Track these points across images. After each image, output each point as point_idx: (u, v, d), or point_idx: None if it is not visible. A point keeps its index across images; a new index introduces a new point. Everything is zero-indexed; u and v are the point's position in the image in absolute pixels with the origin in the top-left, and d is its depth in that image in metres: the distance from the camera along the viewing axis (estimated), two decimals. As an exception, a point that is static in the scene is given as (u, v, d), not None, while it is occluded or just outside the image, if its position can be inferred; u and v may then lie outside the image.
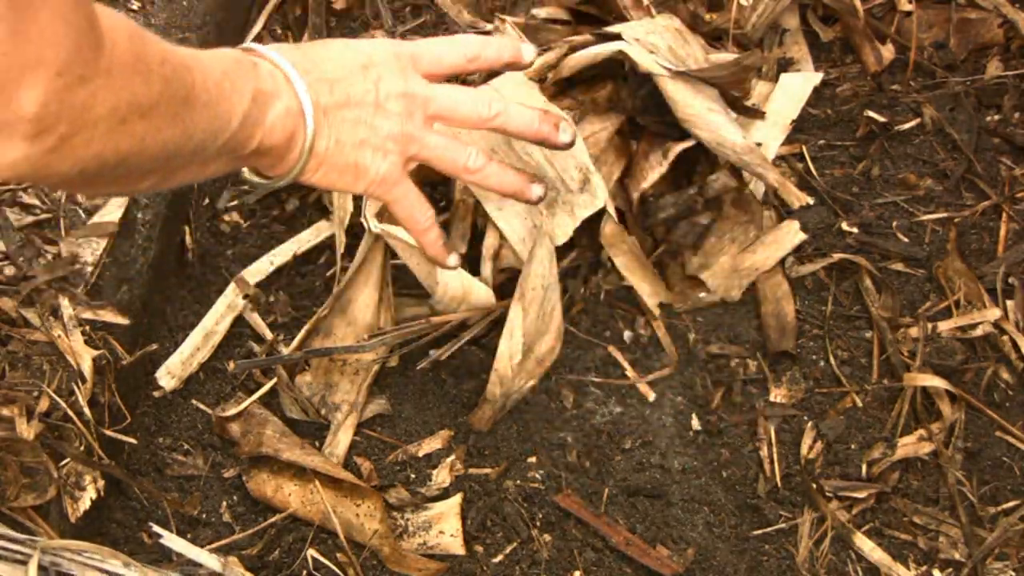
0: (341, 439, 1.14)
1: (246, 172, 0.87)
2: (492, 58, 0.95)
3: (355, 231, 1.23)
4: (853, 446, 1.16)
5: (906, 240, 1.28)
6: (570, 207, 1.13)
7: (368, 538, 1.08)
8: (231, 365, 1.19)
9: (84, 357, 1.06)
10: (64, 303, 1.09)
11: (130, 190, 0.74)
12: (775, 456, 1.16)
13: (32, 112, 0.53)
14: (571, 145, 0.99)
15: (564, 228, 1.13)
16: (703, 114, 1.12)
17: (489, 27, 1.42)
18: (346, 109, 0.86)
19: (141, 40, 0.62)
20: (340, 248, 1.20)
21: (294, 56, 0.83)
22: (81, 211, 1.16)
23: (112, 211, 1.16)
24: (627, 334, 1.23)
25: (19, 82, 0.52)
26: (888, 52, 1.38)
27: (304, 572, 1.08)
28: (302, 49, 0.86)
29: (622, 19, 1.24)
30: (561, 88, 1.20)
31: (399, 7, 1.44)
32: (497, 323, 1.15)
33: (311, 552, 1.08)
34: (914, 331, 1.21)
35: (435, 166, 0.94)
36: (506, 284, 1.16)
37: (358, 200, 1.21)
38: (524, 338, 1.10)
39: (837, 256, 1.25)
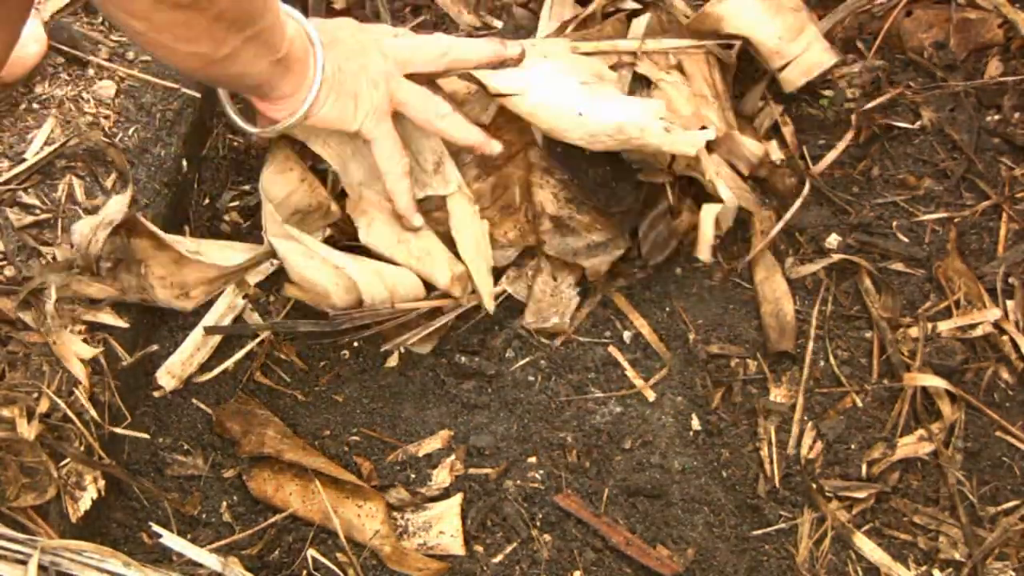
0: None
1: (259, 123, 1.09)
2: (471, 55, 1.12)
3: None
4: (853, 446, 1.16)
5: (906, 240, 1.28)
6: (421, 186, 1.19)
7: (368, 538, 1.08)
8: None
9: (78, 358, 1.06)
10: (63, 304, 1.09)
11: (208, 53, 0.90)
12: (775, 456, 1.16)
13: None
14: (520, 59, 1.13)
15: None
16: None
17: (496, 23, 1.42)
18: (341, 47, 1.05)
19: None
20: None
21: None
22: (81, 211, 1.16)
23: (112, 212, 1.16)
24: (627, 334, 1.23)
25: None
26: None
27: (304, 572, 1.08)
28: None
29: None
30: None
31: (399, 7, 1.44)
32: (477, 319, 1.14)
33: (311, 552, 1.08)
34: (914, 331, 1.21)
35: (409, 112, 1.10)
36: None
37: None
38: None
39: (837, 256, 1.25)
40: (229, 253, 1.19)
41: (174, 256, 1.14)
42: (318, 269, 1.14)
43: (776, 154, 1.31)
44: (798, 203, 1.26)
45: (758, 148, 1.27)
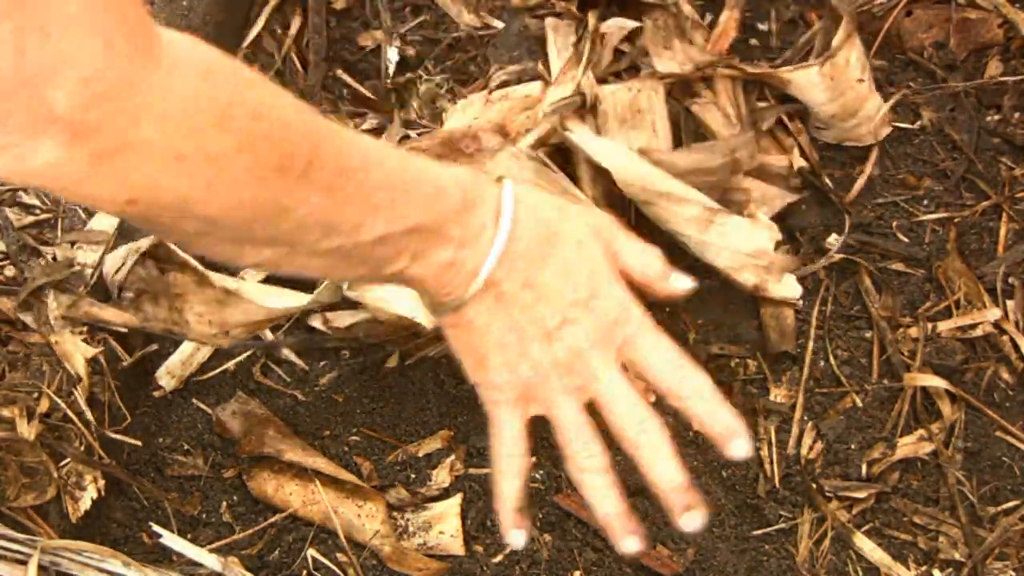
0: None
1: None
2: (701, 414, 0.79)
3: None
4: (853, 446, 1.16)
5: (906, 240, 1.28)
6: None
7: (368, 538, 1.08)
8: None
9: (78, 358, 1.06)
10: (62, 304, 1.09)
11: (218, 253, 0.66)
12: (775, 456, 1.16)
13: (61, 111, 0.50)
14: (692, 532, 0.82)
15: None
16: None
17: (497, 23, 1.42)
18: (519, 311, 0.75)
19: (230, 83, 0.57)
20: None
21: (523, 230, 0.74)
22: (81, 211, 1.16)
23: (143, 240, 1.16)
24: (627, 334, 1.23)
25: (48, 80, 0.49)
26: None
27: (304, 572, 1.08)
28: (546, 231, 0.75)
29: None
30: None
31: (399, 7, 1.44)
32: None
33: (311, 552, 1.08)
34: (914, 331, 1.21)
35: (552, 427, 0.80)
36: None
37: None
38: None
39: (837, 256, 1.25)
40: (278, 297, 1.14)
41: (218, 295, 1.10)
42: (398, 300, 1.12)
43: (799, 162, 1.30)
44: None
45: (784, 161, 1.28)
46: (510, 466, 0.80)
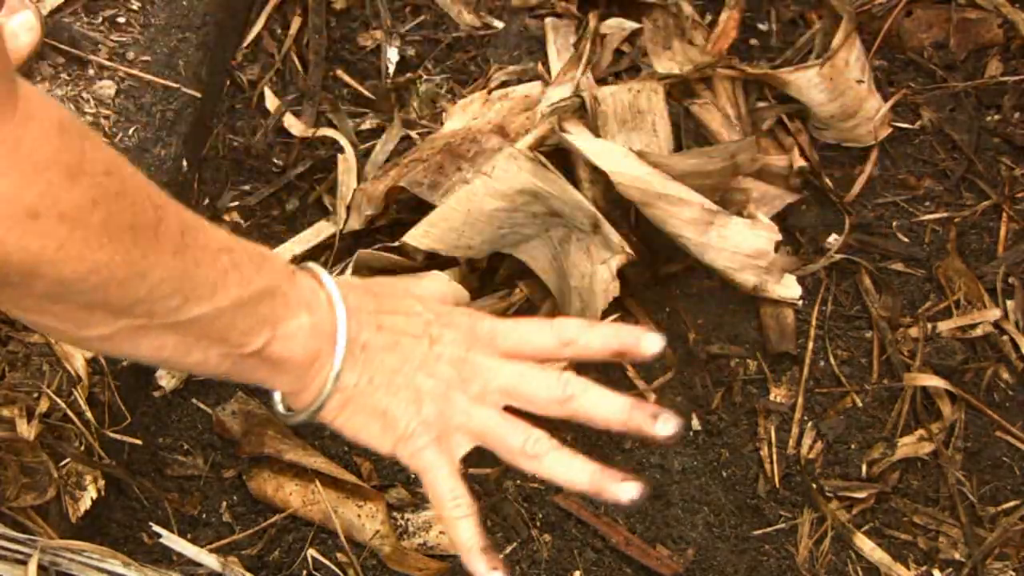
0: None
1: (276, 400, 0.78)
2: (596, 347, 0.77)
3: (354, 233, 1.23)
4: (853, 446, 1.16)
5: (906, 240, 1.28)
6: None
7: (368, 538, 1.08)
8: None
9: (78, 358, 1.06)
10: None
11: (66, 326, 0.61)
12: (775, 456, 1.16)
13: None
14: (672, 439, 0.76)
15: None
16: None
17: (497, 23, 1.42)
18: (388, 353, 0.75)
19: (81, 140, 0.55)
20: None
21: (349, 289, 0.74)
22: (81, 211, 1.16)
23: None
24: (627, 334, 1.23)
25: None
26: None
27: (304, 572, 1.08)
28: (365, 285, 0.78)
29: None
30: None
31: (399, 7, 1.44)
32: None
33: (311, 552, 1.08)
34: (914, 331, 1.21)
35: (485, 444, 0.79)
36: None
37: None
38: None
39: (837, 256, 1.25)
40: None
41: None
42: None
43: (799, 162, 1.30)
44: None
45: (784, 161, 1.28)
46: (457, 510, 0.77)
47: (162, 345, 0.64)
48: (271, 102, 1.35)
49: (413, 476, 1.14)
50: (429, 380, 0.76)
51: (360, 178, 1.25)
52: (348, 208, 1.24)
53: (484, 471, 1.15)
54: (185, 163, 1.26)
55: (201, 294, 0.63)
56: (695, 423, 1.18)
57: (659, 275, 1.25)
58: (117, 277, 0.58)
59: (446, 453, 0.78)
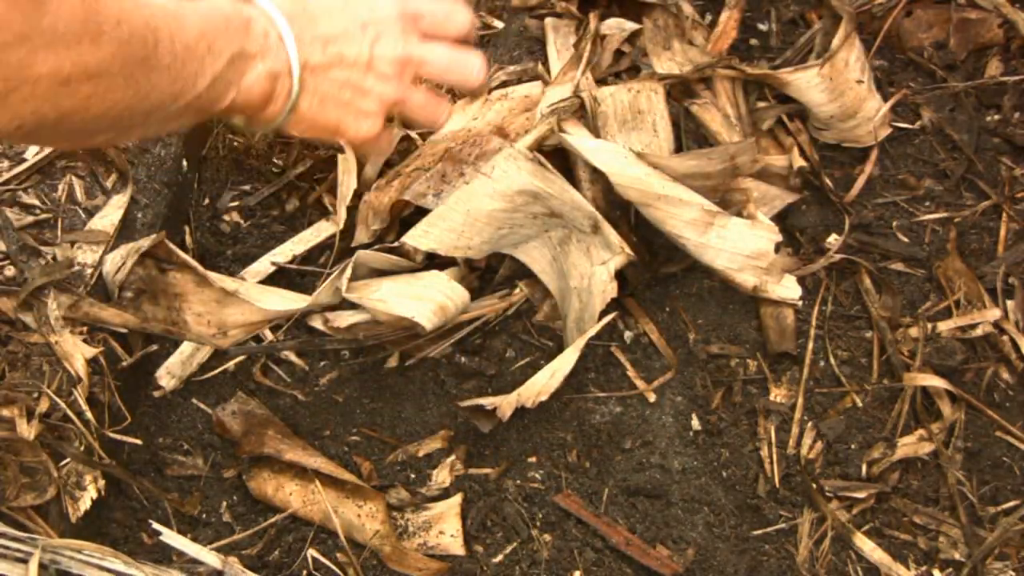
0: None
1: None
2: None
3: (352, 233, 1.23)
4: (853, 446, 1.16)
5: (906, 240, 1.28)
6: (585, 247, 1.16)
7: (368, 538, 1.08)
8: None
9: (78, 358, 1.06)
10: (62, 304, 1.09)
11: (78, 144, 0.74)
12: (775, 456, 1.16)
13: None
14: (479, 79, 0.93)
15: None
16: None
17: (497, 23, 1.42)
18: (336, 69, 0.85)
19: (96, 1, 0.61)
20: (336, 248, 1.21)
21: (292, 9, 0.82)
22: (81, 211, 1.16)
23: (111, 212, 1.16)
24: (628, 334, 1.23)
25: None
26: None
27: (304, 572, 1.08)
28: (303, 2, 0.84)
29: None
30: None
31: (399, 7, 1.44)
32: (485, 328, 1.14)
33: (311, 552, 1.08)
34: (914, 331, 1.21)
35: (412, 117, 0.94)
36: None
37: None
38: None
39: (837, 256, 1.25)
40: (277, 298, 1.15)
41: (216, 294, 1.11)
42: (398, 301, 1.13)
43: (799, 162, 1.30)
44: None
45: (784, 161, 1.28)
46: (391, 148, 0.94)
47: (146, 130, 0.73)
48: (271, 102, 1.35)
49: (413, 477, 1.14)
50: (377, 85, 0.87)
51: (360, 178, 1.25)
52: (354, 221, 1.23)
53: (484, 471, 1.15)
54: (185, 163, 1.26)
55: (186, 88, 0.71)
56: (695, 423, 1.18)
57: (659, 275, 1.25)
58: (130, 106, 0.66)
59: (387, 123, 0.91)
